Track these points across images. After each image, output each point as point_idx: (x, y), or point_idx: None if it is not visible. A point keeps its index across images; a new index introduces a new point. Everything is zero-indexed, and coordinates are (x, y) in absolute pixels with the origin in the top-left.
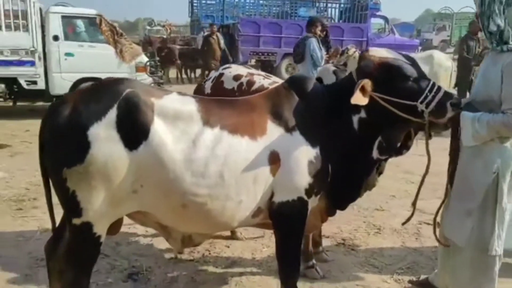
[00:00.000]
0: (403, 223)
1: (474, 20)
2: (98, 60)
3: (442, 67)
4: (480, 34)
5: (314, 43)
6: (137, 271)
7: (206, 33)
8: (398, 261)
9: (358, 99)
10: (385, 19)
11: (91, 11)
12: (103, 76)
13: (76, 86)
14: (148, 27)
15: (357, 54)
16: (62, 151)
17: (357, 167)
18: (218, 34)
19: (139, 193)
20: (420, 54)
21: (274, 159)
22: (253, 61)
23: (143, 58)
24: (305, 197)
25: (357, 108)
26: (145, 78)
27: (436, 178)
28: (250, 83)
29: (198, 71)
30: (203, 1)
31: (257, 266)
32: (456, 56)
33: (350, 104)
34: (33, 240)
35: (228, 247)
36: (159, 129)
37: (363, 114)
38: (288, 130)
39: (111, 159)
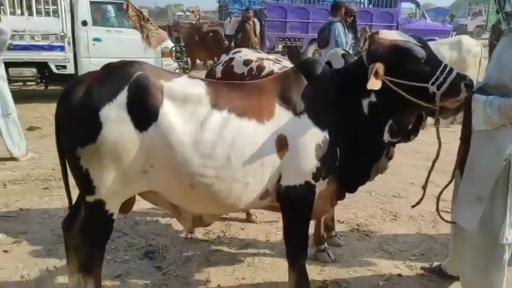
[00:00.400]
0: (413, 206)
1: None
2: (125, 45)
3: (470, 53)
4: None
5: (339, 28)
6: (153, 249)
7: (242, 18)
8: (412, 247)
9: (374, 84)
10: (416, 3)
11: None
12: None
13: None
14: (178, 13)
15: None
16: (76, 131)
17: (367, 150)
18: (255, 20)
19: (150, 173)
20: (448, 39)
21: (281, 143)
22: (279, 47)
23: (169, 44)
24: (313, 181)
25: (367, 92)
26: (170, 63)
27: (453, 166)
28: (260, 68)
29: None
30: None
31: (270, 248)
32: None
33: (359, 87)
34: (57, 218)
35: (243, 229)
36: (168, 111)
37: (373, 98)
38: (297, 113)
39: (122, 139)
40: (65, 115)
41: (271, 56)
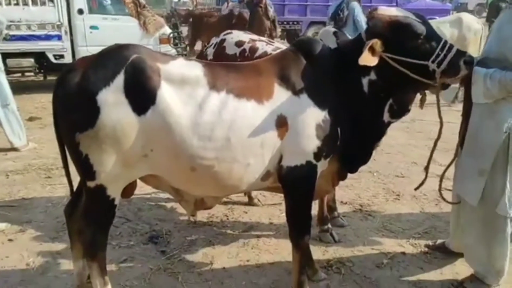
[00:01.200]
0: (416, 188)
1: None
2: (122, 33)
3: (471, 31)
4: None
5: (358, 8)
6: (157, 234)
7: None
8: (415, 226)
9: (366, 59)
10: None
11: None
12: None
13: None
14: (175, 0)
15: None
16: (74, 116)
17: (367, 130)
18: (268, 2)
19: (150, 157)
20: (448, 17)
21: (281, 123)
22: (278, 31)
23: (166, 30)
24: (314, 161)
25: (366, 69)
26: (169, 50)
27: (455, 145)
28: (253, 49)
29: None
30: None
31: (274, 230)
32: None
33: (359, 66)
34: (60, 206)
35: (246, 212)
36: (166, 93)
37: (372, 76)
38: (296, 93)
39: (120, 123)
40: (62, 102)
41: (263, 38)
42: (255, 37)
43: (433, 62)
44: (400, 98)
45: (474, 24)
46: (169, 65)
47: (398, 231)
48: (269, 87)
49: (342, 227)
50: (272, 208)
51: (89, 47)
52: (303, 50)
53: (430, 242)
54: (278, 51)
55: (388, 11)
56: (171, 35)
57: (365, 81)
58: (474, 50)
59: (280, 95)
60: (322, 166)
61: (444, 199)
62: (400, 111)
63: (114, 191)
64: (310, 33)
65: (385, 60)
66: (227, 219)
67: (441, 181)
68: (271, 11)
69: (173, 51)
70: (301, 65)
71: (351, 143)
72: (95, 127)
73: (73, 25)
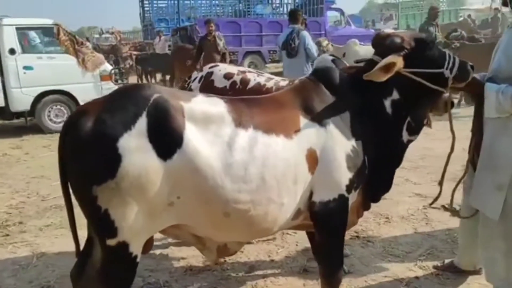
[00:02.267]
0: (430, 204)
1: (432, 6)
2: (60, 71)
3: None
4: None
5: (308, 36)
6: (154, 287)
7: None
8: (416, 248)
9: (376, 75)
10: (341, 11)
11: (47, 21)
12: (66, 88)
13: (38, 100)
14: (97, 36)
15: (330, 47)
16: (90, 167)
17: (391, 153)
18: (218, 34)
19: (176, 205)
20: None
21: (311, 157)
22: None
23: (107, 66)
24: (346, 194)
25: (388, 90)
26: (111, 87)
27: (430, 162)
28: (245, 81)
29: (158, 76)
30: (155, 5)
31: (277, 268)
32: None
33: (379, 88)
34: (31, 267)
35: (242, 251)
36: (192, 134)
37: (395, 95)
38: (322, 124)
39: (145, 171)
40: (74, 150)
41: (251, 69)
42: (242, 68)
43: (446, 68)
44: (417, 114)
45: None
46: (191, 103)
47: (402, 254)
48: (294, 120)
49: (347, 257)
50: (266, 244)
51: (23, 89)
52: (322, 79)
53: (438, 263)
54: (296, 81)
55: (388, 31)
56: (113, 71)
57: (387, 102)
58: None
59: (307, 127)
60: (352, 198)
61: (458, 215)
62: (417, 127)
63: (137, 247)
64: (246, 63)
65: (404, 77)
66: (225, 261)
67: (452, 197)
68: (221, 44)
69: (115, 88)
70: (322, 95)
71: (376, 169)
72: (116, 177)
73: (5, 65)
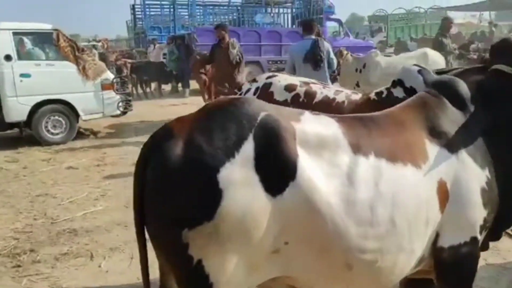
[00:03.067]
0: None
1: (446, 17)
2: (59, 79)
3: (436, 65)
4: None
5: (330, 47)
6: None
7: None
8: (493, 283)
9: None
10: (339, 22)
11: (45, 26)
12: (66, 97)
13: (36, 110)
14: (85, 43)
15: (349, 57)
16: (181, 205)
17: None
18: (232, 40)
19: (282, 252)
20: (414, 52)
21: (442, 191)
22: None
23: (109, 75)
24: (478, 236)
25: None
26: (112, 96)
27: None
28: (310, 93)
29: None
30: (147, 13)
31: None
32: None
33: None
34: None
35: None
36: (306, 163)
37: None
38: (451, 150)
39: (250, 210)
40: (160, 183)
41: (313, 80)
42: (304, 79)
43: None
44: None
45: (438, 59)
46: (302, 124)
47: None
48: (420, 145)
49: None
50: None
51: (20, 98)
52: (446, 93)
53: None
54: (414, 97)
55: None
56: (115, 80)
57: None
58: None
59: (435, 154)
60: (481, 240)
61: None
62: None
63: None
64: (246, 71)
65: None
66: None
67: None
68: (234, 52)
69: (117, 98)
70: (448, 112)
71: (504, 201)
72: (214, 219)
73: (0, 73)
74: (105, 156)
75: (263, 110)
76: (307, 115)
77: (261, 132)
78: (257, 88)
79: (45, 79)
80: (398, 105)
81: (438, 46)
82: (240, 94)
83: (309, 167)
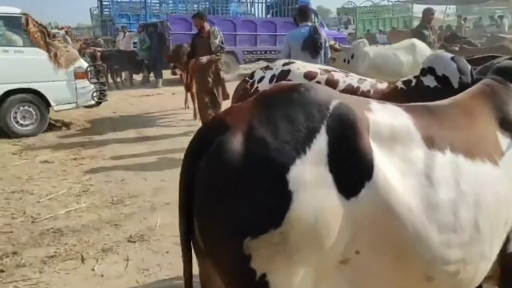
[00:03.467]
0: None
1: (427, 9)
2: (28, 68)
3: (423, 56)
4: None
5: (325, 35)
6: None
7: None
8: None
9: None
10: (314, 12)
11: (14, 10)
12: (36, 86)
13: (3, 100)
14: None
15: (337, 47)
16: (242, 210)
17: None
18: (214, 29)
19: (352, 263)
20: (402, 43)
21: None
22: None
23: (83, 63)
24: None
25: None
26: (86, 86)
27: None
28: (332, 82)
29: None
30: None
31: None
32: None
33: None
34: None
35: None
36: (380, 160)
37: None
38: None
39: (323, 216)
40: (216, 185)
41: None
42: (324, 66)
43: None
44: None
45: (425, 50)
46: (373, 114)
47: None
48: (492, 138)
49: None
50: None
51: None
52: None
53: None
54: (478, 84)
55: None
56: (89, 68)
57: None
58: None
59: (510, 148)
60: None
61: None
62: None
63: None
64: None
65: None
66: None
67: None
68: (217, 42)
69: (91, 87)
70: None
71: None
72: (283, 226)
73: None
74: (81, 149)
75: (334, 97)
76: (374, 103)
77: (335, 123)
78: (273, 76)
79: (13, 67)
80: (462, 93)
81: (419, 37)
82: (252, 83)
83: (384, 164)
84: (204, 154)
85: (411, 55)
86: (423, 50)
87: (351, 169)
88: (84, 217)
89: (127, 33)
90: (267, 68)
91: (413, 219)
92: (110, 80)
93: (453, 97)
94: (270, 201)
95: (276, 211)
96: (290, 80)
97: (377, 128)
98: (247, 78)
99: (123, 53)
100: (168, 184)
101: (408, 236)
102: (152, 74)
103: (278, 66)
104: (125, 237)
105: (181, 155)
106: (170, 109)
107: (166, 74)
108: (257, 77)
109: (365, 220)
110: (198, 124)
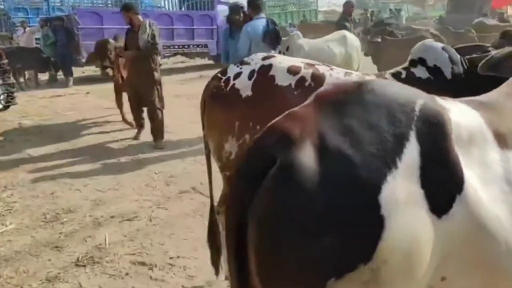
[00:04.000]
0: None
1: (347, 2)
2: None
3: (354, 48)
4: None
5: None
6: None
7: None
8: None
9: None
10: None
11: None
12: None
13: None
14: None
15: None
16: (323, 244)
17: None
18: (147, 22)
19: None
20: (334, 35)
21: None
22: None
23: None
24: None
25: None
26: None
27: None
28: (318, 76)
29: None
30: None
31: None
32: None
33: None
34: None
35: None
36: (466, 168)
37: None
38: None
39: (416, 241)
40: (286, 213)
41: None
42: (305, 60)
43: None
44: None
45: (355, 42)
46: (452, 114)
47: None
48: None
49: None
50: None
51: None
52: None
53: None
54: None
55: None
56: None
57: None
58: (356, 67)
59: None
60: None
61: None
62: None
63: None
64: None
65: None
66: None
67: None
68: (145, 36)
69: None
70: None
71: None
72: (373, 260)
73: None
74: None
75: (418, 96)
76: (440, 99)
77: (425, 128)
78: (252, 71)
79: None
80: (504, 85)
81: (342, 29)
82: (227, 80)
83: (469, 173)
84: (266, 174)
85: (343, 46)
86: (353, 41)
87: (443, 182)
88: (15, 242)
89: (28, 29)
90: (242, 63)
91: (505, 233)
92: (13, 80)
93: (496, 90)
94: (359, 231)
95: (366, 242)
96: (273, 75)
97: (458, 131)
98: (219, 75)
99: (25, 50)
100: (107, 195)
101: (501, 254)
102: (60, 73)
103: (256, 60)
104: (71, 261)
105: (113, 160)
106: (87, 110)
107: (77, 72)
108: (231, 73)
109: (455, 240)
110: (125, 126)
